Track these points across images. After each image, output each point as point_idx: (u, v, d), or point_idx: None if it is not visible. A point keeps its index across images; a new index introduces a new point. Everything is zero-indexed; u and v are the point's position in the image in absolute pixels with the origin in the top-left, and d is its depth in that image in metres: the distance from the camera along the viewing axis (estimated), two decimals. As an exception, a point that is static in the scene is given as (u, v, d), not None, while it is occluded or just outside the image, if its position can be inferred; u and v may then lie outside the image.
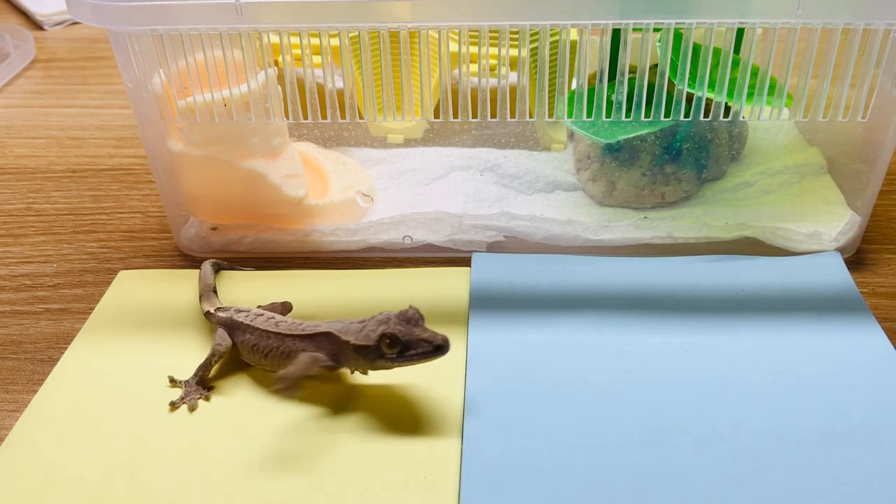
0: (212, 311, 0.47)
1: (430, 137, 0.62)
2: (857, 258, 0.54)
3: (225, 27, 0.45)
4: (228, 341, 0.45)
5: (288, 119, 0.50)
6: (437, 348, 0.40)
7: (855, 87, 0.47)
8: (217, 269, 0.52)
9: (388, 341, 0.40)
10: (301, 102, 0.49)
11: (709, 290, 0.50)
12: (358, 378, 0.44)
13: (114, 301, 0.51)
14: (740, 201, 0.56)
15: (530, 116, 0.50)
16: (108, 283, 0.53)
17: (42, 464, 0.40)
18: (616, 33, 0.48)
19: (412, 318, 0.41)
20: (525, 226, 0.55)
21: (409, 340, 0.40)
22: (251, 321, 0.44)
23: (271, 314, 0.45)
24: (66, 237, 0.58)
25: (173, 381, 0.44)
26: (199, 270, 0.51)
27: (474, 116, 0.49)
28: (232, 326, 0.45)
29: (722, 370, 0.44)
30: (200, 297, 0.49)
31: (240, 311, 0.45)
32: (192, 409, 0.43)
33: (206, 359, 0.44)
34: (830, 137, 0.59)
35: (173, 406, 0.43)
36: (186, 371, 0.45)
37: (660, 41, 0.47)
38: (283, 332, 0.43)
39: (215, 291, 0.49)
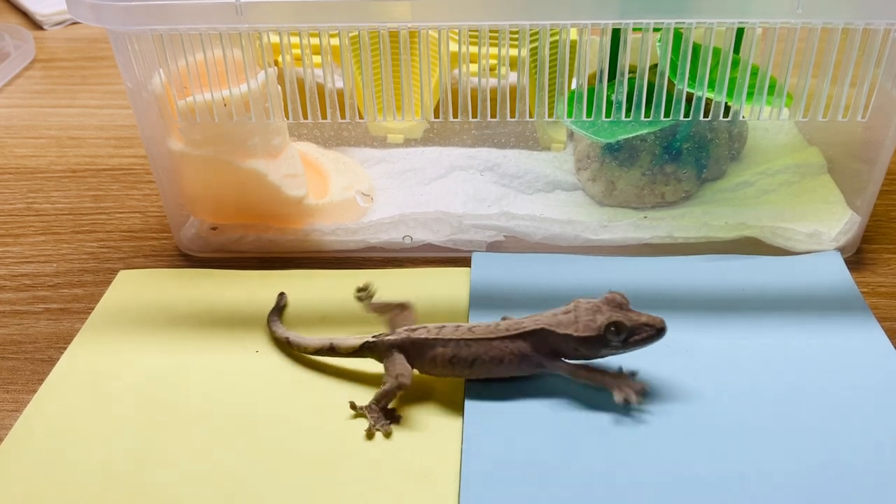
0: (370, 339, 0.43)
1: (430, 137, 0.62)
2: (857, 258, 0.54)
3: (225, 27, 0.45)
4: (409, 368, 0.42)
5: (288, 119, 0.50)
6: (660, 331, 0.40)
7: (855, 87, 0.47)
8: (282, 306, 0.49)
9: (613, 329, 0.39)
10: (301, 102, 0.49)
11: (709, 290, 0.50)
12: (358, 378, 0.44)
13: (114, 301, 0.51)
14: (740, 201, 0.56)
15: (530, 116, 0.50)
16: (108, 283, 0.53)
17: (42, 464, 0.40)
18: (616, 33, 0.48)
19: (621, 303, 0.40)
20: (525, 225, 0.55)
21: (634, 326, 0.39)
22: (438, 335, 0.42)
23: (454, 324, 0.43)
24: (66, 237, 0.58)
25: (355, 408, 0.42)
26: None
27: (474, 116, 0.49)
28: (413, 346, 0.42)
29: (722, 369, 0.44)
30: (328, 346, 0.44)
31: (413, 329, 0.43)
32: (386, 434, 0.41)
33: (389, 389, 0.41)
34: (830, 137, 0.59)
35: (369, 434, 0.41)
36: (186, 369, 0.45)
37: (660, 41, 0.47)
38: (485, 336, 0.42)
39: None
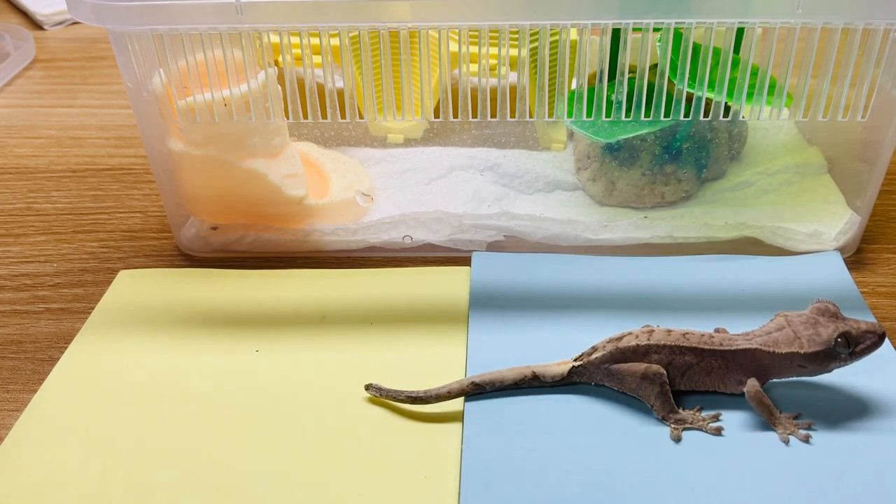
0: (576, 364, 0.42)
1: (430, 137, 0.62)
2: (857, 258, 0.54)
3: (225, 27, 0.45)
4: (643, 363, 0.40)
5: (288, 119, 0.50)
6: (881, 336, 0.39)
7: (855, 87, 0.47)
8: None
9: (842, 340, 0.38)
10: (301, 102, 0.49)
11: (709, 290, 0.50)
12: (359, 378, 0.44)
13: (114, 301, 0.51)
14: (740, 201, 0.56)
15: (530, 116, 0.50)
16: (108, 282, 0.53)
17: (42, 464, 0.40)
18: (616, 33, 0.48)
19: (835, 312, 0.39)
20: (525, 225, 0.55)
21: (859, 335, 0.38)
22: (649, 341, 0.40)
23: (661, 328, 0.41)
24: (67, 237, 0.58)
25: (675, 425, 0.40)
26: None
27: (474, 116, 0.49)
28: (623, 357, 0.41)
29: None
30: (531, 376, 0.42)
31: (618, 338, 0.41)
32: (715, 431, 0.40)
33: (660, 392, 0.40)
34: (830, 137, 0.59)
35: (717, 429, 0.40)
36: (186, 369, 0.45)
37: (660, 41, 0.47)
38: (700, 346, 0.40)
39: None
